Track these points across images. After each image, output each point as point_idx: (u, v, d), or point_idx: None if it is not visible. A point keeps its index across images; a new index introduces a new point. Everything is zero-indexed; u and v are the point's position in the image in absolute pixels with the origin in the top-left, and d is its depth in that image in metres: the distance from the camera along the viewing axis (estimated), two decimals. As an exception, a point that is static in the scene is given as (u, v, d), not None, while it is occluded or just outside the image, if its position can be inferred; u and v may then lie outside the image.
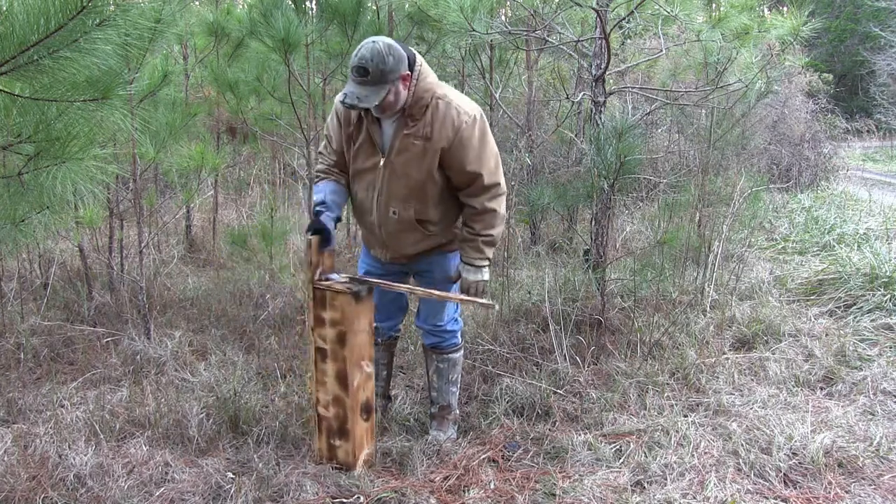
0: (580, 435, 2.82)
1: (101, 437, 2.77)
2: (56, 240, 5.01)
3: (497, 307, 2.44)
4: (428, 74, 2.48)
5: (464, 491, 2.49)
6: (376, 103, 2.37)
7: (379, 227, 2.64)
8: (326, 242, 2.54)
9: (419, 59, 2.47)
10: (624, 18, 4.30)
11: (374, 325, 2.89)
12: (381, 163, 2.53)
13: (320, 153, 2.74)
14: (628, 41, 8.71)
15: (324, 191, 2.63)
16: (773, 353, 3.66)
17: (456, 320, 2.89)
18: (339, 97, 2.58)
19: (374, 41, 2.35)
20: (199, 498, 2.41)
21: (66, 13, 1.76)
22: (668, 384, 3.30)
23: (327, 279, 2.53)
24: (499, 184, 2.59)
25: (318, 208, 2.58)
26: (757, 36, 4.51)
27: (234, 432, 2.86)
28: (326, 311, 2.50)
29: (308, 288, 2.55)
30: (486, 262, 2.65)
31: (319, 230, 2.53)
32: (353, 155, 2.60)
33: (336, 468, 2.58)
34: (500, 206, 2.61)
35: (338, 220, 2.63)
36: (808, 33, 4.45)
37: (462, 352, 2.96)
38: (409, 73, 2.41)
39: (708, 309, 4.23)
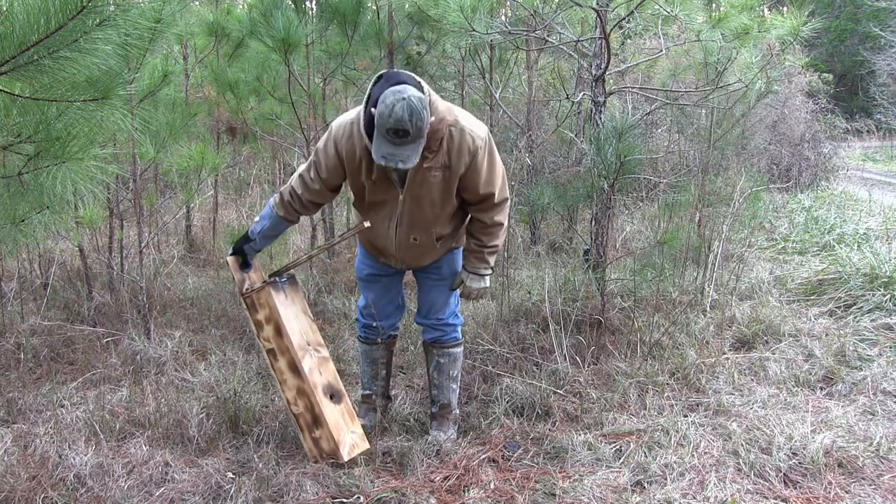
0: (580, 435, 2.82)
1: (101, 437, 2.77)
2: (56, 240, 5.00)
3: (368, 223, 2.56)
4: (437, 103, 2.39)
5: (464, 491, 2.49)
6: (416, 160, 2.29)
7: (396, 249, 2.68)
8: (245, 266, 2.76)
9: (426, 88, 2.37)
10: (624, 18, 4.29)
11: (374, 325, 2.90)
12: (400, 197, 2.52)
13: (301, 176, 2.62)
14: (628, 41, 8.70)
15: (261, 227, 2.73)
16: (773, 353, 3.66)
17: (456, 315, 2.91)
18: (339, 131, 2.47)
19: (404, 97, 2.20)
20: (199, 498, 2.41)
21: (66, 13, 1.76)
22: (668, 384, 3.30)
23: (253, 289, 2.70)
24: (507, 199, 2.66)
25: (248, 236, 2.75)
26: (757, 36, 4.51)
27: (234, 432, 2.86)
28: (259, 313, 2.68)
29: (240, 301, 2.67)
30: (490, 272, 2.74)
31: (239, 253, 2.76)
32: (369, 189, 2.56)
33: (330, 464, 2.58)
34: (506, 218, 2.68)
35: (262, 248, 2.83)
36: (808, 33, 4.44)
37: (462, 347, 2.96)
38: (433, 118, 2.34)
39: (708, 309, 4.23)
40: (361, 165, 2.49)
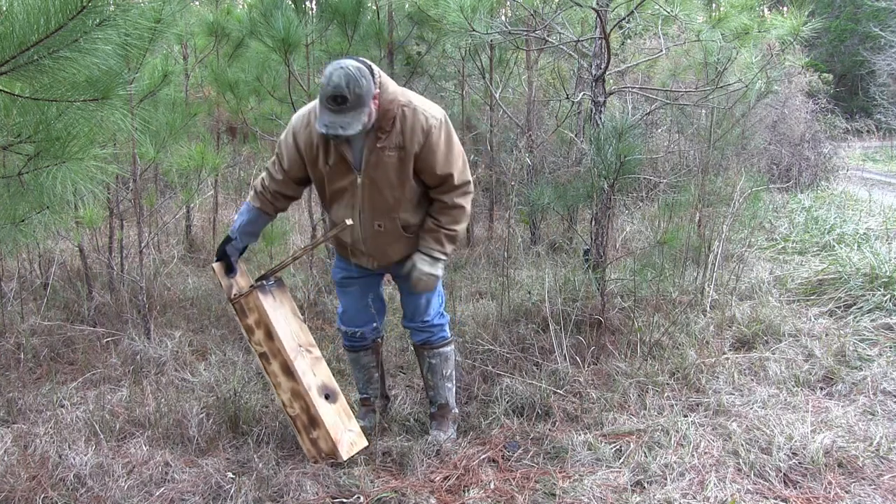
0: (580, 435, 2.82)
1: (101, 437, 2.77)
2: (56, 240, 5.01)
3: (350, 222, 2.58)
4: (388, 84, 2.46)
5: (464, 491, 2.49)
6: (359, 129, 2.34)
7: (364, 242, 2.65)
8: (230, 271, 2.73)
9: (376, 69, 2.44)
10: (624, 18, 4.30)
11: (355, 330, 2.89)
12: (358, 180, 2.53)
13: (267, 168, 2.70)
14: (628, 41, 8.71)
15: (240, 222, 2.73)
16: (773, 353, 3.66)
17: (442, 314, 2.89)
18: (298, 121, 2.56)
19: (342, 66, 2.31)
20: (199, 498, 2.41)
21: (66, 13, 1.76)
22: (668, 384, 3.30)
23: (241, 294, 2.69)
24: (468, 182, 2.61)
25: (228, 236, 2.74)
26: (757, 36, 4.51)
27: (234, 432, 2.86)
28: (248, 318, 2.67)
29: (228, 307, 2.65)
30: (444, 257, 2.65)
31: (223, 257, 2.72)
32: (328, 176, 2.58)
33: (330, 464, 2.58)
34: (468, 203, 2.64)
35: (245, 248, 2.79)
36: (808, 33, 4.45)
37: (453, 346, 2.95)
38: (378, 90, 2.40)
39: (708, 309, 4.23)
40: (319, 153, 2.54)
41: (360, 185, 2.53)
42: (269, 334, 2.62)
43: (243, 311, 2.68)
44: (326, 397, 2.65)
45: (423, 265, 2.62)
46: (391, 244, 2.65)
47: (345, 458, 2.58)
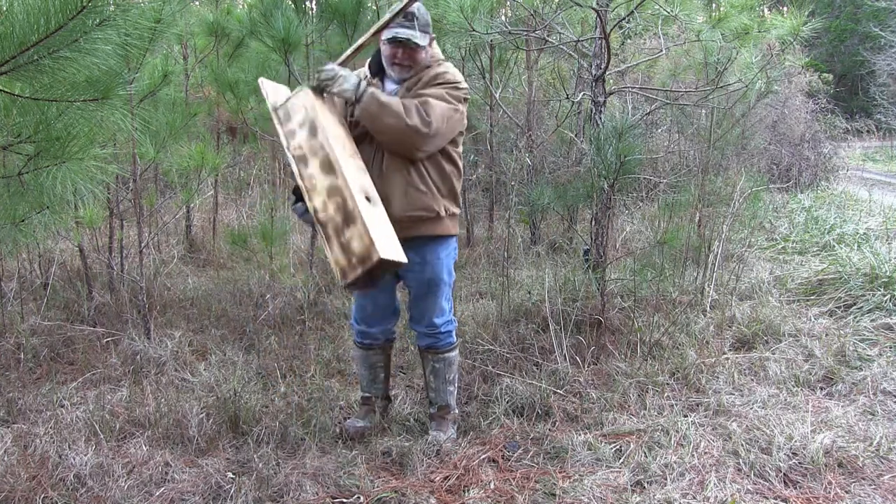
0: (580, 435, 2.82)
1: (101, 437, 2.77)
2: (56, 240, 5.01)
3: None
4: (438, 52, 2.80)
5: (464, 491, 2.49)
6: (419, 43, 2.61)
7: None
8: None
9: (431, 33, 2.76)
10: (624, 18, 4.30)
11: (367, 329, 2.88)
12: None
13: None
14: (628, 41, 8.72)
15: None
16: (773, 353, 3.66)
17: (451, 321, 2.89)
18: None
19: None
20: (199, 498, 2.41)
21: (66, 13, 1.76)
22: (668, 384, 3.30)
23: (291, 95, 2.54)
24: (429, 122, 2.52)
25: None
26: (757, 36, 4.51)
27: (234, 432, 2.86)
28: (292, 120, 2.47)
29: (272, 115, 2.54)
30: (367, 84, 2.56)
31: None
32: (353, 122, 2.67)
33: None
34: (418, 108, 2.52)
35: None
36: (808, 33, 4.45)
37: (458, 350, 2.95)
38: (431, 44, 2.71)
39: (708, 309, 4.23)
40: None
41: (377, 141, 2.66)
42: (314, 131, 2.38)
43: (288, 114, 2.47)
44: (367, 199, 2.39)
45: (344, 71, 2.56)
46: (394, 192, 2.59)
47: (382, 256, 2.23)
